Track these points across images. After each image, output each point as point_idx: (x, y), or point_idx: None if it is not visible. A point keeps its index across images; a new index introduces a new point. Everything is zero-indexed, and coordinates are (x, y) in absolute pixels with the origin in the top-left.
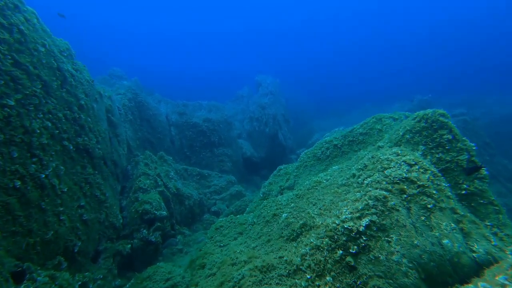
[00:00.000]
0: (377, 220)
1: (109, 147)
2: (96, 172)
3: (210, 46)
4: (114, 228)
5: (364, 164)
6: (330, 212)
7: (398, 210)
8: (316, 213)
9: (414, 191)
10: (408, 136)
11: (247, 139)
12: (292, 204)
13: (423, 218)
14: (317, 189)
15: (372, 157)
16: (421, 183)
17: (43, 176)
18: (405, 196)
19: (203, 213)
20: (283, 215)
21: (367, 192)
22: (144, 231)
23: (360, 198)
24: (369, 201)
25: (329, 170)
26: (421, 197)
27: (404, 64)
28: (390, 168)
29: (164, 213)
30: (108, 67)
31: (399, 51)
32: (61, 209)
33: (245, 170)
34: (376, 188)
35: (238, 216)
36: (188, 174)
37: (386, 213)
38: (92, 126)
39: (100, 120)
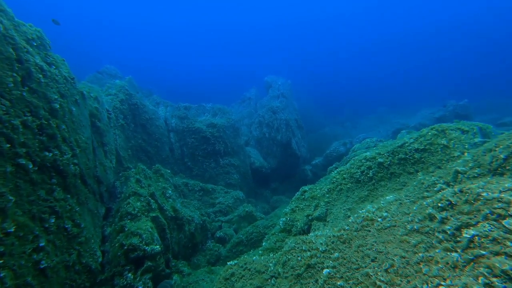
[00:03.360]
0: None
1: (91, 160)
2: (69, 196)
3: (214, 46)
4: (89, 272)
5: (448, 201)
6: (408, 282)
7: None
8: (382, 279)
9: None
10: None
11: (256, 147)
12: (336, 254)
13: None
14: (369, 231)
15: (462, 192)
16: None
17: None
18: None
19: (206, 239)
20: (324, 271)
21: (477, 256)
22: (129, 275)
23: (464, 267)
24: (493, 279)
25: (381, 202)
26: None
27: (420, 66)
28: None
29: (157, 247)
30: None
31: (413, 52)
32: (0, 261)
33: (254, 182)
34: (497, 254)
35: (254, 258)
36: (189, 190)
37: None
38: (68, 135)
39: (80, 127)
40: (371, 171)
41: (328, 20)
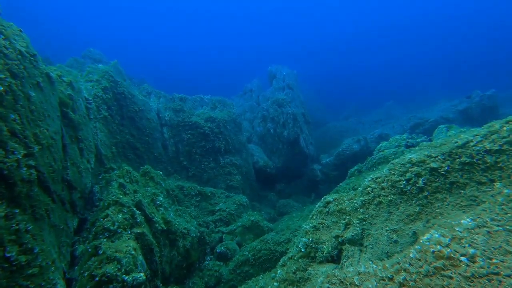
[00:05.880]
0: None
1: (59, 160)
2: (18, 210)
3: (214, 33)
4: None
5: None
6: None
7: None
8: None
9: None
10: None
11: (259, 144)
12: None
13: None
14: (451, 278)
15: None
16: None
17: None
18: None
19: (204, 255)
20: None
21: None
22: None
23: None
24: None
25: (456, 229)
26: None
27: (426, 59)
28: None
29: (141, 276)
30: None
31: (418, 44)
32: None
33: (257, 183)
34: None
35: None
36: (185, 195)
37: None
38: (21, 129)
39: (44, 118)
40: (421, 179)
41: (330, 9)
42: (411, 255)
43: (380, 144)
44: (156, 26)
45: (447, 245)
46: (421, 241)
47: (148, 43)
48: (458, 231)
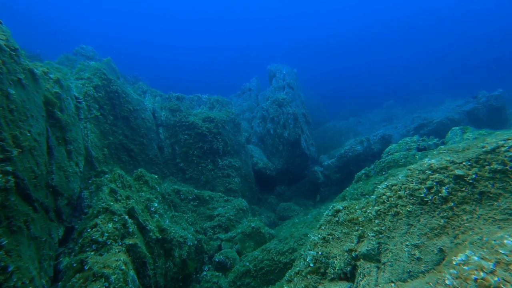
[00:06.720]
0: None
1: (43, 164)
2: None
3: (211, 31)
4: None
5: None
6: None
7: None
8: None
9: None
10: None
11: (258, 145)
12: None
13: None
14: None
15: None
16: None
17: None
18: None
19: (201, 264)
20: None
21: None
22: None
23: None
24: None
25: (498, 249)
26: None
27: (432, 57)
28: None
29: None
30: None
31: (420, 42)
32: None
33: (256, 186)
34: None
35: None
36: (182, 199)
37: None
38: None
39: (26, 118)
40: (444, 188)
41: (330, 8)
42: (446, 281)
43: (389, 147)
44: (152, 23)
45: (492, 272)
46: (455, 263)
47: (144, 41)
48: (503, 253)
